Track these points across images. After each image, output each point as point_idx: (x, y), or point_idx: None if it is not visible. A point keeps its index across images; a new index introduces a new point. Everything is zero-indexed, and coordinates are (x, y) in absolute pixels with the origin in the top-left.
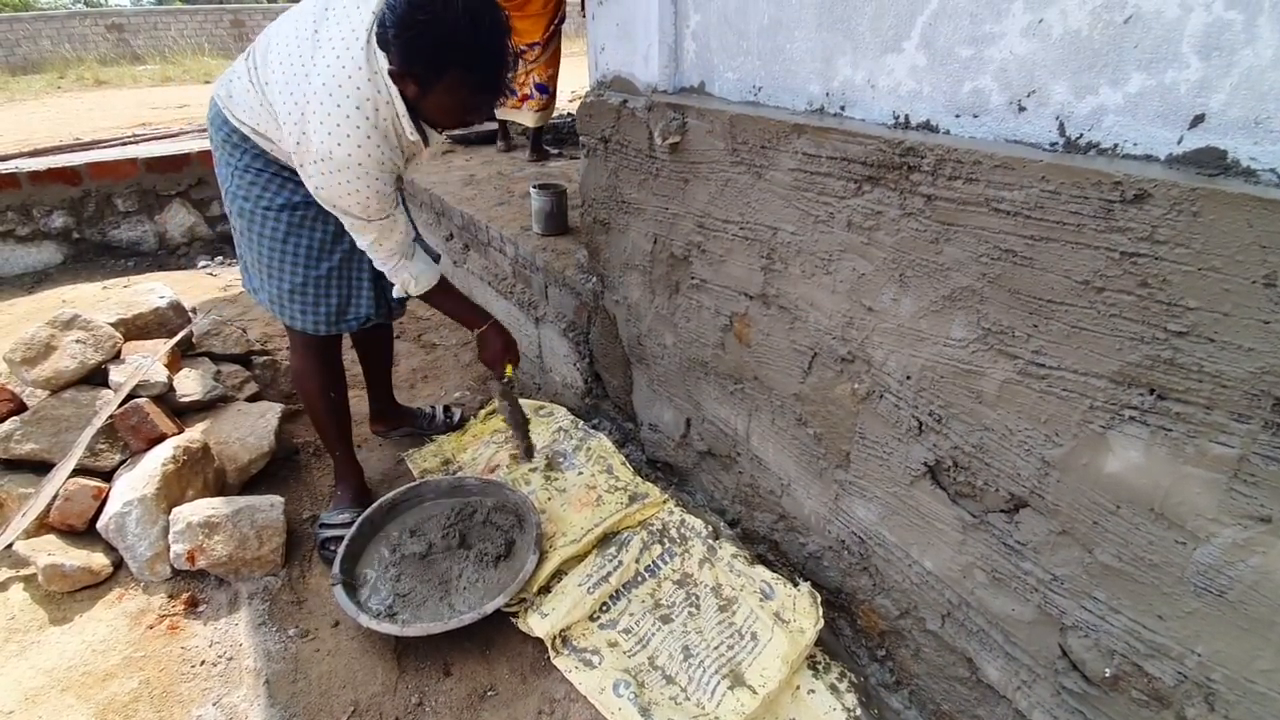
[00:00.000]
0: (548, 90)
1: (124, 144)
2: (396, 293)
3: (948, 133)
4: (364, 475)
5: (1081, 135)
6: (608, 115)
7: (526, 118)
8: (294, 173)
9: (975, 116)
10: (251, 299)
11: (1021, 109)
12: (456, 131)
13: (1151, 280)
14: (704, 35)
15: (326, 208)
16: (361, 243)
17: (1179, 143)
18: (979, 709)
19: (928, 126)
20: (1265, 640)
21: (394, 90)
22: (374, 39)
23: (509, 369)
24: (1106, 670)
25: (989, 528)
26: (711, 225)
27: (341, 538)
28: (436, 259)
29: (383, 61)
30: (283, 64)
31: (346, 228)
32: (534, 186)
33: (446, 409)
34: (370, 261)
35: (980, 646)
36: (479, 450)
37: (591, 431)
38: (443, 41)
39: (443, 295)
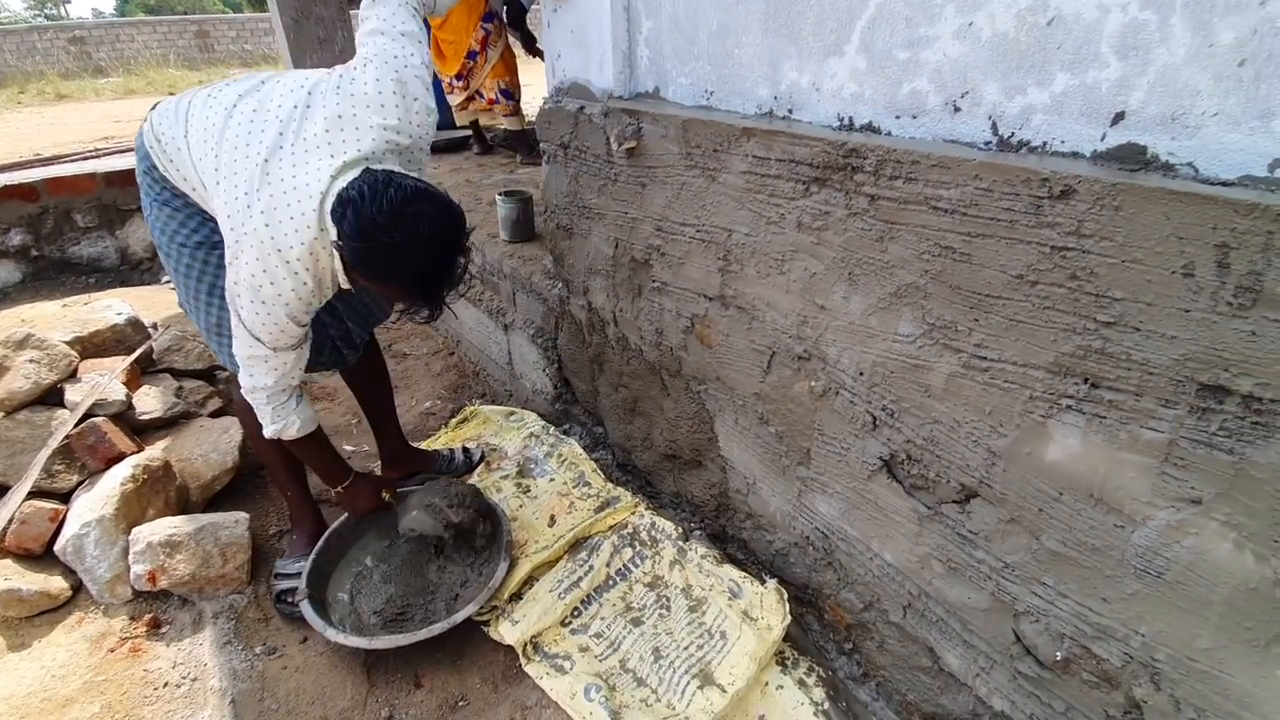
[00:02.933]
0: (513, 97)
1: (84, 159)
2: (269, 433)
3: (889, 134)
4: (321, 517)
5: (1013, 134)
6: (566, 122)
7: (504, 122)
8: (199, 211)
9: (914, 117)
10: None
11: (957, 109)
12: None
13: (1080, 273)
14: (656, 41)
15: (244, 329)
16: (247, 372)
17: (1102, 140)
18: (942, 697)
19: (870, 128)
20: (1203, 619)
21: (336, 253)
22: (330, 207)
23: (387, 495)
24: (1057, 653)
25: (943, 518)
26: (669, 228)
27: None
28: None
29: (331, 229)
30: (226, 178)
31: (244, 351)
32: (500, 194)
33: (465, 449)
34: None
35: (940, 635)
36: None
37: (562, 437)
38: (396, 265)
39: (313, 445)
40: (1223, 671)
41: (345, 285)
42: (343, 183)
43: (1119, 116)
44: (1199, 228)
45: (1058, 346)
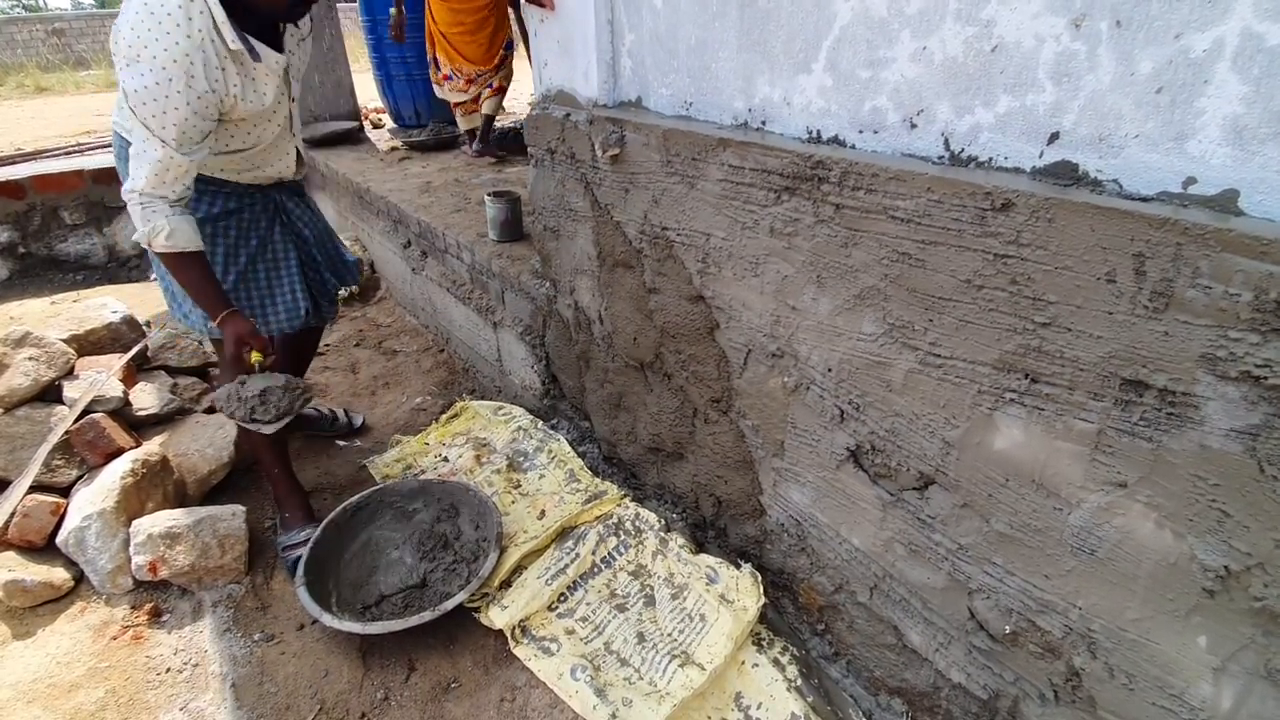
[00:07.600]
0: (502, 92)
1: (69, 154)
2: (137, 237)
3: (854, 147)
4: (305, 492)
5: (963, 150)
6: (553, 128)
7: (486, 107)
8: (206, 184)
9: (875, 132)
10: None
11: (913, 126)
12: (415, 137)
13: (1019, 278)
14: (639, 53)
15: (136, 120)
16: (133, 173)
17: (1040, 157)
18: (906, 672)
19: (836, 141)
20: (1131, 593)
21: None
22: None
23: (254, 357)
24: (1006, 627)
25: (904, 504)
26: (651, 232)
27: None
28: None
29: None
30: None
31: (135, 149)
32: (489, 194)
33: (347, 411)
34: (295, 258)
35: (904, 614)
36: (440, 453)
37: (551, 433)
38: None
39: (189, 266)
40: (1150, 640)
41: (234, 45)
42: None
43: (1054, 136)
44: (1119, 239)
45: (1001, 345)
